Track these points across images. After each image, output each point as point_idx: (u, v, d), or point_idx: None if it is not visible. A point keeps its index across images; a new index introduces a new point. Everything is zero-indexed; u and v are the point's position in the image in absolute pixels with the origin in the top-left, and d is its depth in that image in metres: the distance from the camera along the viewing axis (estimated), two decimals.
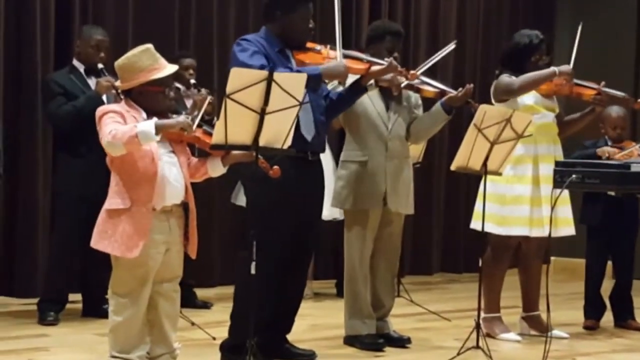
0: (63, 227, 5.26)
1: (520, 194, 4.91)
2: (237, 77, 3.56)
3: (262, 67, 3.92)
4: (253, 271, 3.65)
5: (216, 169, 3.74)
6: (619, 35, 7.97)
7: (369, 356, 4.61)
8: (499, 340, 4.98)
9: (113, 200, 3.57)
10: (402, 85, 4.56)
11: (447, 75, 7.54)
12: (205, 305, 5.80)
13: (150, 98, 3.64)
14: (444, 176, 7.79)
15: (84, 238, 4.96)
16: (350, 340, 4.75)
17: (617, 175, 4.03)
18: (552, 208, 4.02)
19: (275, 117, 3.63)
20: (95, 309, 5.31)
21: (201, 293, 5.95)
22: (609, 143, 5.38)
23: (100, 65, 5.24)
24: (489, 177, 4.58)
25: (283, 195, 4.03)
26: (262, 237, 3.71)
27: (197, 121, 3.73)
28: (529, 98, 4.98)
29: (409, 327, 5.23)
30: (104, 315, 5.24)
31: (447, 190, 7.93)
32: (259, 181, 3.72)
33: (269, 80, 3.57)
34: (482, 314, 4.73)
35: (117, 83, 3.75)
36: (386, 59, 4.38)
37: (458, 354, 4.37)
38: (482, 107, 4.46)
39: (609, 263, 5.56)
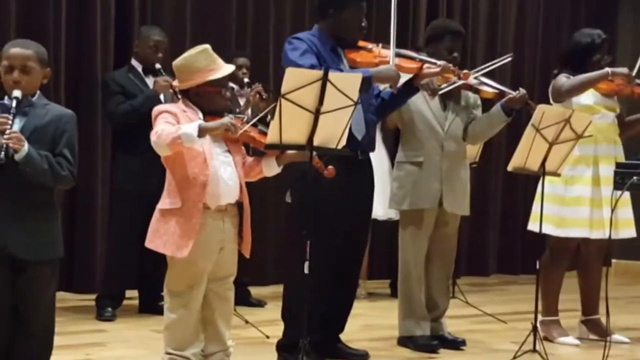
0: (121, 224, 5.34)
1: (580, 195, 4.84)
2: (292, 77, 3.56)
3: (312, 67, 3.92)
4: (307, 271, 3.65)
5: (271, 168, 3.75)
6: None
7: (423, 358, 4.58)
8: (557, 344, 4.91)
9: (166, 200, 3.61)
10: (442, 91, 4.47)
11: (506, 76, 7.45)
12: (259, 303, 5.83)
13: (207, 98, 3.66)
14: (501, 177, 7.71)
15: (142, 235, 5.01)
16: (404, 341, 4.73)
17: None
18: (613, 210, 3.95)
19: (330, 117, 3.63)
20: (151, 306, 5.37)
21: (255, 291, 5.97)
22: None
23: (157, 66, 5.30)
24: (547, 178, 4.51)
25: (333, 195, 4.01)
26: (312, 237, 3.70)
27: (253, 121, 3.73)
28: (589, 98, 4.90)
29: (464, 328, 5.19)
30: (159, 312, 5.29)
31: (504, 191, 7.85)
32: (308, 181, 3.71)
33: (324, 80, 3.56)
34: (540, 317, 4.67)
35: (175, 83, 3.77)
36: (439, 62, 4.29)
37: (514, 357, 4.32)
38: (540, 107, 4.40)
39: None
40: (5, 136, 3.11)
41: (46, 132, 3.26)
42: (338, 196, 4.08)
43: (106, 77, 5.52)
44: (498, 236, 7.87)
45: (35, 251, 3.24)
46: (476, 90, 4.67)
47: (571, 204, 4.85)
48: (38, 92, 3.35)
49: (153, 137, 3.49)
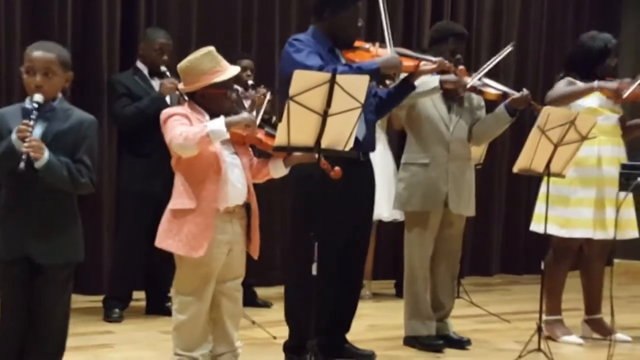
0: (127, 225, 5.36)
1: (584, 196, 4.87)
2: (300, 79, 3.57)
3: (320, 67, 3.95)
4: (315, 272, 3.67)
5: (278, 170, 3.77)
6: None
7: (429, 357, 4.61)
8: (561, 343, 4.94)
9: (178, 200, 3.61)
10: (469, 85, 4.51)
11: (509, 76, 7.48)
12: (266, 304, 5.85)
13: (212, 100, 3.67)
14: (504, 177, 7.75)
15: (148, 236, 5.06)
16: (410, 341, 4.76)
17: None
18: (618, 210, 3.97)
19: (338, 118, 3.64)
20: (158, 307, 5.41)
21: (261, 292, 6.00)
22: None
23: (163, 68, 5.33)
24: (551, 179, 4.54)
25: (335, 196, 4.02)
26: (315, 238, 3.71)
27: (258, 119, 3.75)
28: (594, 100, 4.93)
29: (469, 328, 5.22)
30: (167, 312, 5.34)
31: (507, 192, 7.87)
32: (315, 183, 3.72)
33: (332, 82, 3.59)
34: (544, 317, 4.69)
35: (180, 85, 3.79)
36: (434, 59, 4.32)
37: (519, 356, 4.35)
38: (546, 109, 4.42)
39: None
40: (26, 144, 3.08)
41: (67, 137, 3.24)
42: (340, 197, 4.09)
43: (112, 79, 5.54)
44: (501, 236, 7.90)
45: (56, 256, 3.25)
46: (480, 92, 4.70)
47: (576, 205, 4.88)
48: (60, 95, 3.32)
49: (178, 139, 3.48)
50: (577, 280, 5.21)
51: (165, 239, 3.63)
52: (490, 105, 4.86)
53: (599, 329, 5.06)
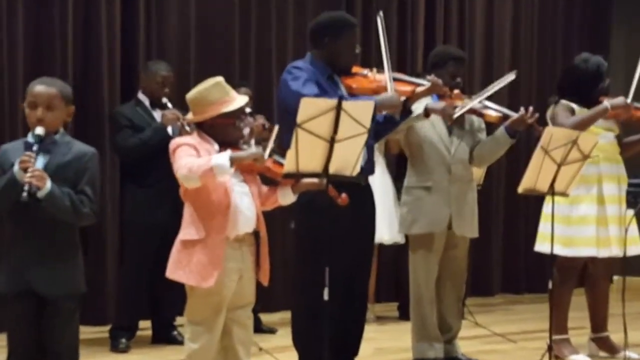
0: (132, 256, 5.38)
1: (585, 214, 4.90)
2: (307, 106, 3.61)
3: (316, 96, 3.97)
4: (326, 297, 3.69)
5: (286, 197, 3.80)
6: None
7: None
8: None
9: (187, 231, 3.63)
10: (455, 115, 4.53)
11: (503, 98, 7.53)
12: (271, 330, 5.86)
13: (221, 130, 3.69)
14: (502, 198, 7.79)
15: (153, 266, 5.11)
16: None
17: None
18: (627, 229, 4.01)
19: (345, 144, 3.68)
20: (165, 336, 5.40)
21: (264, 318, 6.00)
22: None
23: (164, 100, 5.37)
24: (551, 198, 4.57)
25: (338, 221, 4.00)
26: (318, 264, 3.74)
27: (267, 151, 3.79)
28: None
29: (475, 349, 5.22)
30: (173, 341, 5.36)
31: (506, 212, 7.91)
32: (322, 209, 3.75)
33: (338, 108, 3.63)
34: None
35: (189, 116, 3.82)
36: (428, 77, 4.39)
37: None
38: (549, 130, 4.46)
39: None
40: (28, 174, 3.14)
41: (68, 170, 3.30)
42: (342, 222, 4.10)
43: (115, 111, 5.58)
44: (501, 256, 7.93)
45: (58, 287, 3.29)
46: (480, 114, 4.75)
47: (577, 223, 4.91)
48: (61, 129, 3.39)
49: (182, 170, 3.52)
50: (582, 298, 5.23)
51: (176, 270, 3.64)
52: (491, 127, 4.91)
53: (605, 347, 5.09)
